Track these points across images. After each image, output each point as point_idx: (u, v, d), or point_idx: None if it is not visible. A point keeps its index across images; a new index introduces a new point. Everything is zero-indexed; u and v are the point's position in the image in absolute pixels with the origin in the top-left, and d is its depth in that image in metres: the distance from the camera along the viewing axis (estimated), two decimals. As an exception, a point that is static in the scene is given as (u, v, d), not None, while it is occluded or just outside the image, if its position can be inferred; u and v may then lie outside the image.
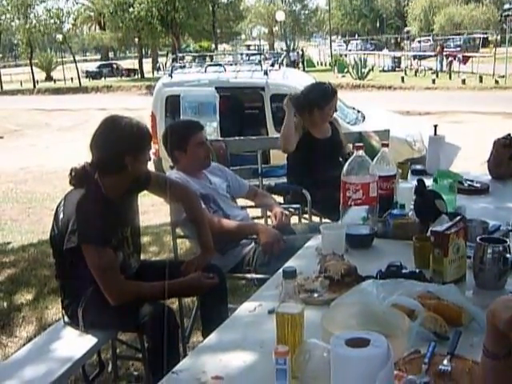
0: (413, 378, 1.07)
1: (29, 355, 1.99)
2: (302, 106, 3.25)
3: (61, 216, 1.97)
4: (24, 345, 2.49)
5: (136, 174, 2.03)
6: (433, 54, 26.28)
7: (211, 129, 5.30)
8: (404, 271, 1.62)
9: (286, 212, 2.73)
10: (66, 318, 2.13)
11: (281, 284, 1.57)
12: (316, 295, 1.57)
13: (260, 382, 1.19)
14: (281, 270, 1.66)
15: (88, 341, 2.01)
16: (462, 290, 1.52)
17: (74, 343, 2.02)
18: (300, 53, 32.62)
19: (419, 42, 36.71)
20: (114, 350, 2.54)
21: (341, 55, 32.18)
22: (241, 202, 2.96)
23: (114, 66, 36.63)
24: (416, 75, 22.97)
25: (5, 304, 3.49)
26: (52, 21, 32.78)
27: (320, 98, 3.24)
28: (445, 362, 1.19)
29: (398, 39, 44.31)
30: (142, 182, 2.14)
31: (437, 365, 1.18)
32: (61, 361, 1.91)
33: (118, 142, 1.97)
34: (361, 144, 2.21)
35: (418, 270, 1.64)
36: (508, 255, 1.56)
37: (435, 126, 3.04)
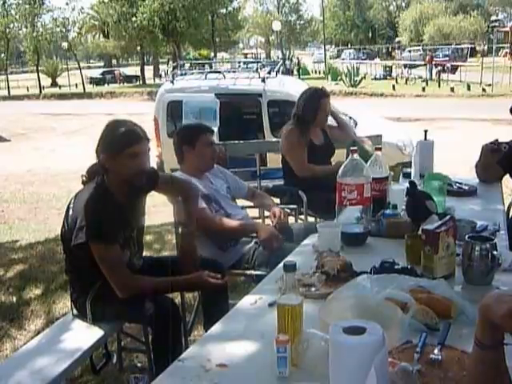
0: (406, 365, 1.09)
1: (39, 346, 2.00)
2: (300, 115, 3.28)
3: (70, 213, 1.99)
4: (32, 337, 2.49)
5: (120, 174, 1.98)
6: (423, 63, 26.38)
7: (211, 133, 5.31)
8: (397, 267, 1.64)
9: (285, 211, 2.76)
10: (75, 311, 2.14)
11: (280, 278, 1.60)
12: (313, 289, 1.59)
13: (262, 369, 1.21)
14: (280, 266, 1.69)
15: (96, 333, 2.03)
16: (451, 285, 1.54)
17: (82, 335, 2.03)
18: (296, 61, 32.71)
19: (409, 51, 36.80)
20: (119, 342, 2.56)
21: (323, 62, 32.92)
22: (239, 202, 2.98)
23: (117, 72, 36.61)
24: (406, 83, 23.05)
25: (14, 299, 3.49)
26: (58, 29, 32.75)
27: (312, 102, 3.27)
28: (435, 351, 1.21)
29: (390, 49, 44.45)
30: (148, 183, 2.13)
31: (428, 354, 1.20)
32: (70, 352, 1.93)
33: (99, 142, 2.00)
34: (355, 148, 2.24)
35: (409, 266, 1.66)
36: (495, 253, 1.58)
37: (425, 131, 3.07)
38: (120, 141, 1.95)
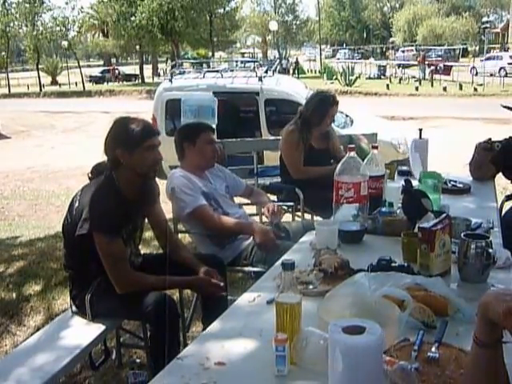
0: (404, 364, 1.07)
1: (38, 343, 1.98)
2: (306, 116, 3.25)
3: (76, 205, 1.96)
4: (32, 334, 2.46)
5: (137, 168, 1.98)
6: (416, 63, 26.40)
7: (210, 131, 5.29)
8: (393, 265, 1.62)
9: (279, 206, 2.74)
10: (74, 308, 2.12)
11: (278, 276, 1.58)
12: (311, 287, 1.57)
13: (260, 367, 1.19)
14: (278, 263, 1.67)
15: (95, 329, 2.00)
16: (447, 283, 1.53)
17: (82, 331, 2.01)
18: (294, 61, 32.71)
19: (403, 51, 36.85)
20: (118, 338, 2.53)
21: (313, 60, 33.91)
22: (237, 200, 2.96)
23: (116, 71, 36.47)
24: (400, 83, 23.06)
25: (14, 295, 3.46)
26: (58, 28, 32.58)
27: (322, 107, 3.23)
28: (433, 349, 1.20)
29: (384, 49, 44.49)
30: (154, 188, 2.15)
31: (425, 352, 1.19)
32: (69, 348, 1.90)
33: (111, 138, 1.99)
34: (353, 146, 2.22)
35: (406, 264, 1.64)
36: (490, 250, 1.57)
37: (420, 130, 3.05)
38: (137, 135, 1.95)
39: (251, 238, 2.52)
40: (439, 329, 1.28)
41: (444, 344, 1.22)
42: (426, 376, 1.11)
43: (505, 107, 2.85)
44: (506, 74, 20.97)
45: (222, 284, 2.07)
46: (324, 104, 3.24)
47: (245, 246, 2.53)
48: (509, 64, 20.99)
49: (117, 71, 35.16)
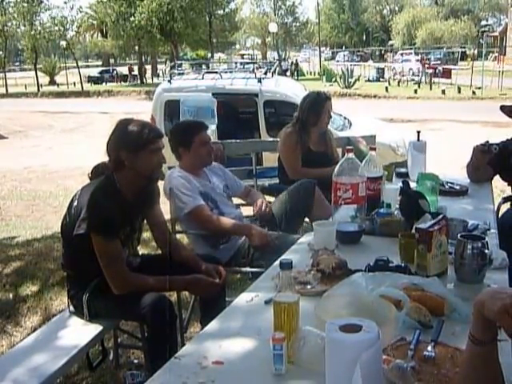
0: (400, 362, 1.08)
1: (35, 343, 1.98)
2: (303, 118, 3.26)
3: (75, 204, 1.97)
4: (29, 334, 2.47)
5: (141, 170, 1.99)
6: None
7: (209, 132, 5.30)
8: (391, 265, 1.64)
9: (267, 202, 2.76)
10: (72, 308, 2.12)
11: (276, 276, 1.59)
12: (309, 287, 1.58)
13: (258, 366, 1.20)
14: (276, 263, 1.68)
15: (92, 329, 2.01)
16: (444, 283, 1.54)
17: (79, 332, 2.01)
18: (294, 62, 32.77)
19: (401, 54, 36.97)
20: (115, 338, 2.54)
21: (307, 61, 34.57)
22: (235, 200, 2.97)
23: (115, 71, 36.47)
24: (399, 85, 23.12)
25: (10, 295, 3.46)
26: (56, 28, 32.52)
27: (316, 105, 3.26)
28: (429, 348, 1.21)
29: (383, 51, 44.61)
30: (155, 190, 2.16)
31: (422, 351, 1.20)
32: (66, 349, 1.91)
33: (115, 139, 1.99)
34: (351, 147, 2.23)
35: (403, 264, 1.66)
36: (486, 251, 1.58)
37: (418, 132, 3.06)
38: (143, 137, 1.96)
39: (244, 236, 2.53)
40: (435, 328, 1.29)
41: (440, 343, 1.24)
42: (422, 375, 1.12)
43: (504, 107, 2.85)
44: (413, 73, 25.75)
45: (220, 277, 2.08)
46: (317, 102, 3.28)
47: (240, 245, 2.54)
48: (416, 64, 26.40)
49: (130, 67, 34.97)
